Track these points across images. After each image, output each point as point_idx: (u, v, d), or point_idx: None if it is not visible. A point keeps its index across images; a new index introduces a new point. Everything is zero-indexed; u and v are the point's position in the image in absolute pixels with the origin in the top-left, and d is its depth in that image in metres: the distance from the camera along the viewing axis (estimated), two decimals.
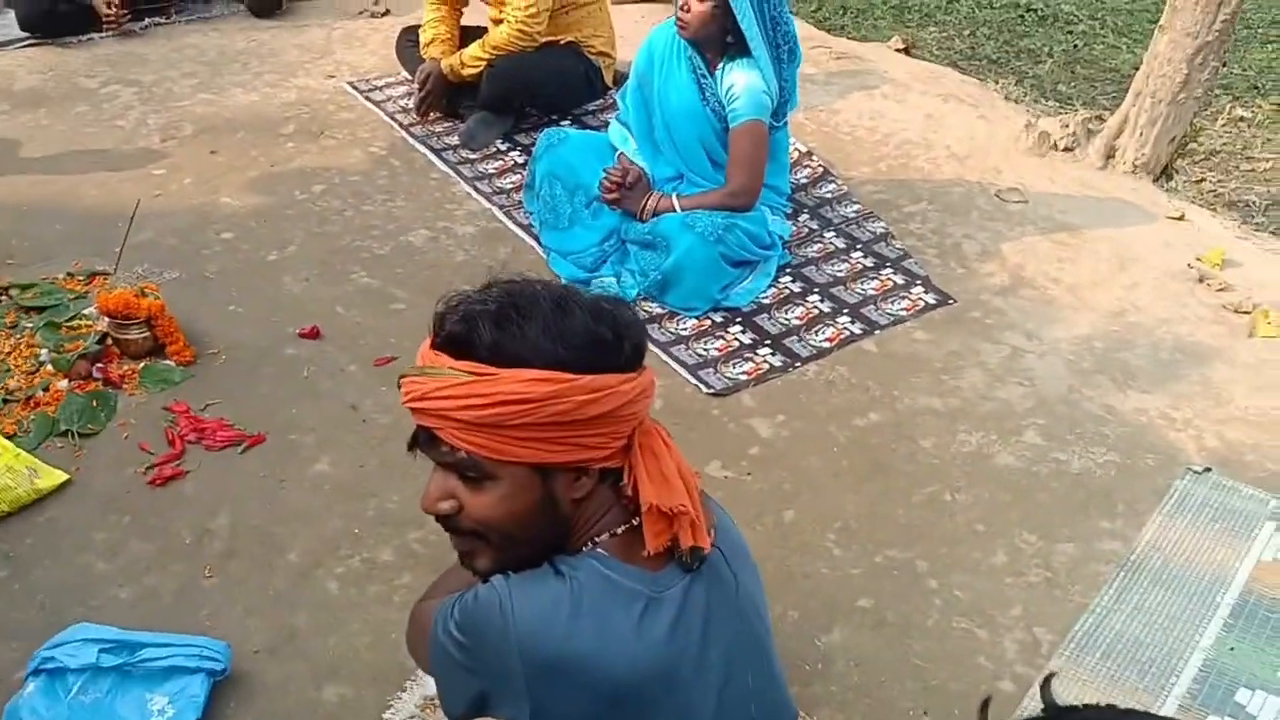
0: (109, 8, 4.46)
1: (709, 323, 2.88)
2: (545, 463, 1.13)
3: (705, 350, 2.76)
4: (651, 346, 2.74)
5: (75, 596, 2.06)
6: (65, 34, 4.47)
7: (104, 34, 4.51)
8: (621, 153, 3.17)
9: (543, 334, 1.11)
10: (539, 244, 3.17)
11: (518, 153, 3.66)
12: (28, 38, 4.46)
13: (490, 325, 1.11)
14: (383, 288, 2.99)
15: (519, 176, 3.48)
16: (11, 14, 4.53)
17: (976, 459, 2.44)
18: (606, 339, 1.14)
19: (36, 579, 2.09)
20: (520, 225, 3.27)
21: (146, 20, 4.65)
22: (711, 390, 2.63)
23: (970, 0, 4.94)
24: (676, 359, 2.72)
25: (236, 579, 2.12)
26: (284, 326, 2.81)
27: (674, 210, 2.99)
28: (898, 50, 4.55)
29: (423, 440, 1.17)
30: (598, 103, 3.93)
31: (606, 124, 3.50)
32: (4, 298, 2.86)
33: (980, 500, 2.33)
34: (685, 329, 2.84)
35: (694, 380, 2.66)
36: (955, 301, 2.98)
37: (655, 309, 2.92)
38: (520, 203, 3.35)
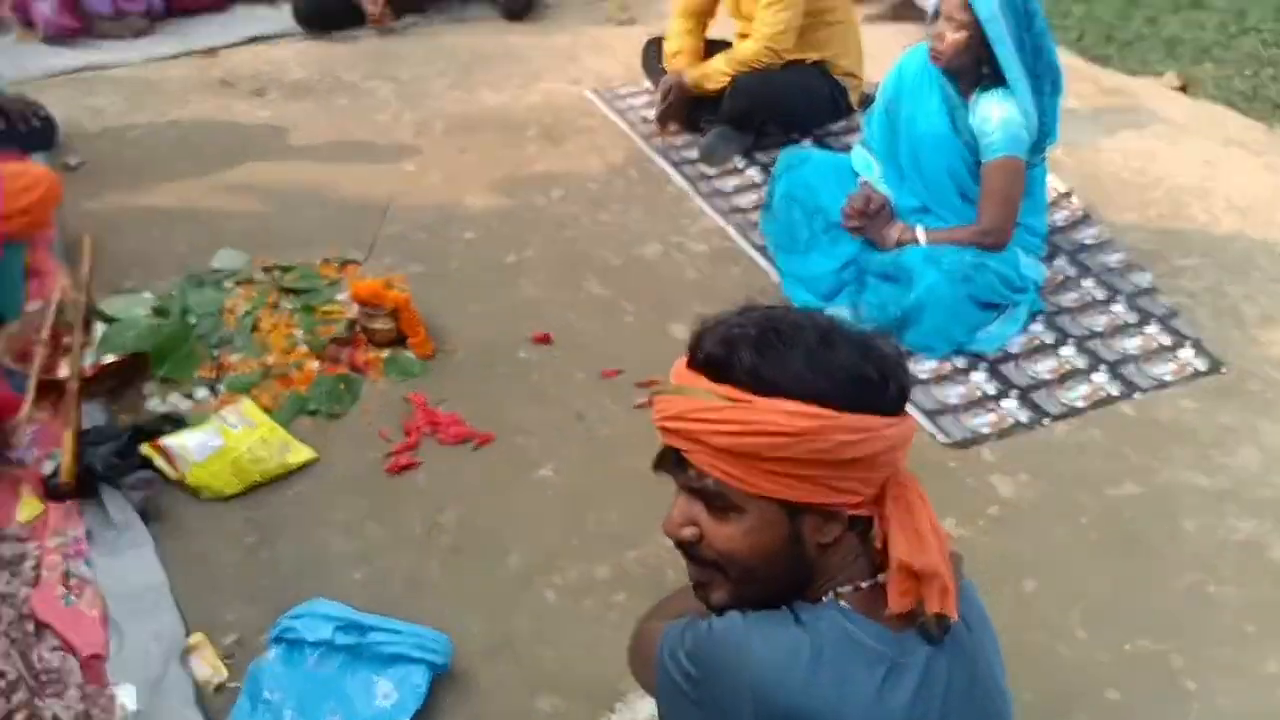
0: (374, 6, 4.70)
1: (950, 366, 2.74)
2: (795, 501, 1.08)
3: (945, 396, 2.64)
4: None
5: (313, 571, 2.15)
6: (333, 29, 4.73)
7: (368, 30, 4.75)
8: (864, 179, 3.08)
9: (805, 365, 1.07)
10: (773, 266, 3.12)
11: (756, 171, 3.62)
12: (300, 31, 4.75)
13: (751, 350, 1.07)
14: (614, 299, 3.01)
15: (756, 195, 3.44)
16: (288, 7, 4.84)
17: (1249, 550, 2.22)
18: (872, 378, 1.08)
19: (280, 550, 2.20)
20: (755, 246, 3.23)
21: (406, 19, 4.87)
22: (949, 440, 2.50)
23: (1255, 36, 4.55)
24: (912, 402, 2.60)
25: (460, 575, 2.17)
26: (518, 329, 2.86)
27: (918, 243, 2.88)
28: (1174, 89, 4.24)
29: (671, 461, 1.14)
30: (841, 124, 3.84)
31: (849, 146, 3.41)
32: (269, 278, 3.03)
33: (1251, 598, 2.12)
34: (924, 371, 2.72)
35: (931, 426, 2.54)
36: (1230, 369, 2.73)
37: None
38: (756, 222, 3.30)
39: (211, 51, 4.58)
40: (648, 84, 4.07)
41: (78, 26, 4.66)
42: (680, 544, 1.16)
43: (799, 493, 1.08)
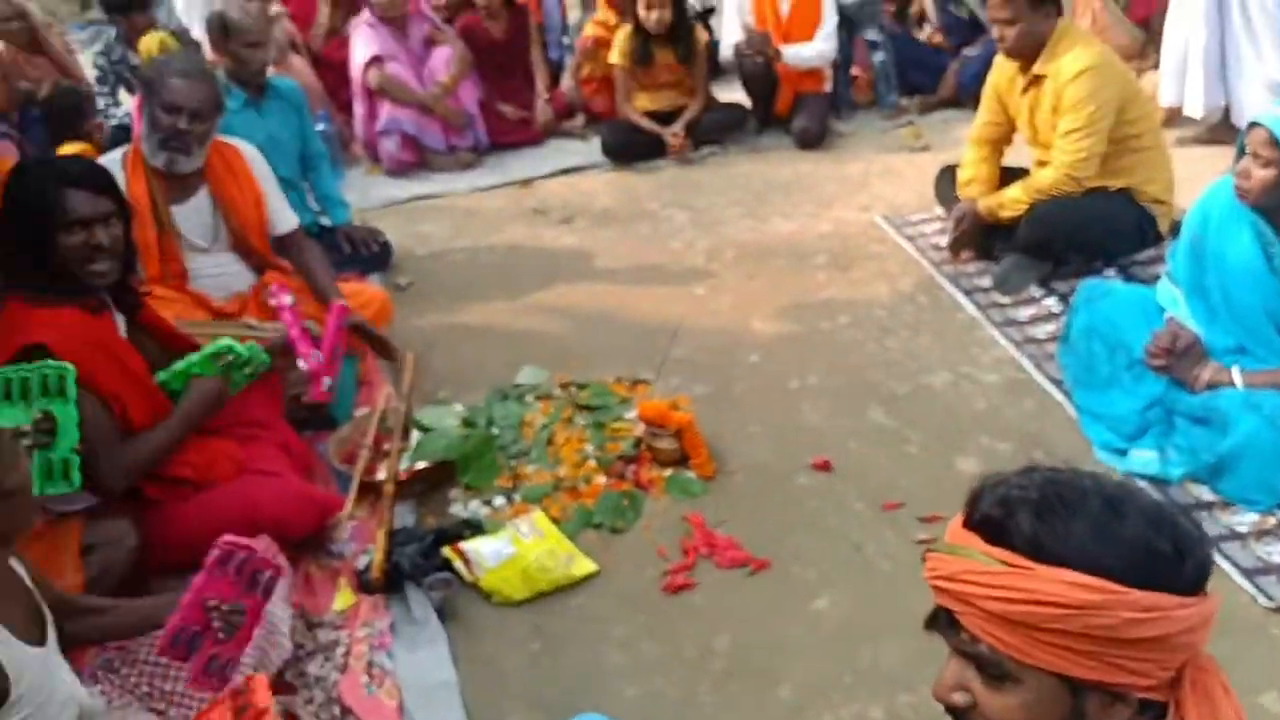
0: (674, 138, 5.00)
1: (1273, 520, 2.47)
2: (1077, 677, 1.02)
3: (1268, 554, 2.37)
4: None
5: (590, 683, 2.22)
6: (637, 160, 5.07)
7: (669, 161, 5.04)
8: (1171, 315, 2.88)
9: (1090, 534, 1.01)
10: (1070, 402, 2.96)
11: (1054, 300, 3.47)
12: (607, 162, 5.11)
13: (1031, 515, 1.03)
14: (898, 428, 2.96)
15: (1053, 326, 3.30)
16: (597, 140, 5.23)
17: None
18: (1165, 552, 1.01)
19: (561, 659, 2.29)
20: (1051, 379, 3.08)
21: (704, 150, 5.13)
22: (1272, 603, 2.24)
23: None
24: (1229, 558, 2.37)
25: (731, 702, 2.16)
26: (798, 454, 2.87)
27: (1234, 385, 2.65)
28: None
29: (943, 621, 1.10)
30: (1149, 252, 3.62)
31: (1157, 276, 3.20)
32: (565, 394, 3.23)
33: None
34: (1243, 524, 2.47)
35: (1250, 587, 2.29)
36: None
37: (1205, 495, 2.57)
38: (1052, 354, 3.16)
39: (527, 182, 5.03)
40: (940, 211, 4.05)
41: (415, 161, 5.27)
42: (951, 709, 1.11)
43: (1081, 669, 1.02)
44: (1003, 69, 3.76)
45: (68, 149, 4.59)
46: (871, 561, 2.49)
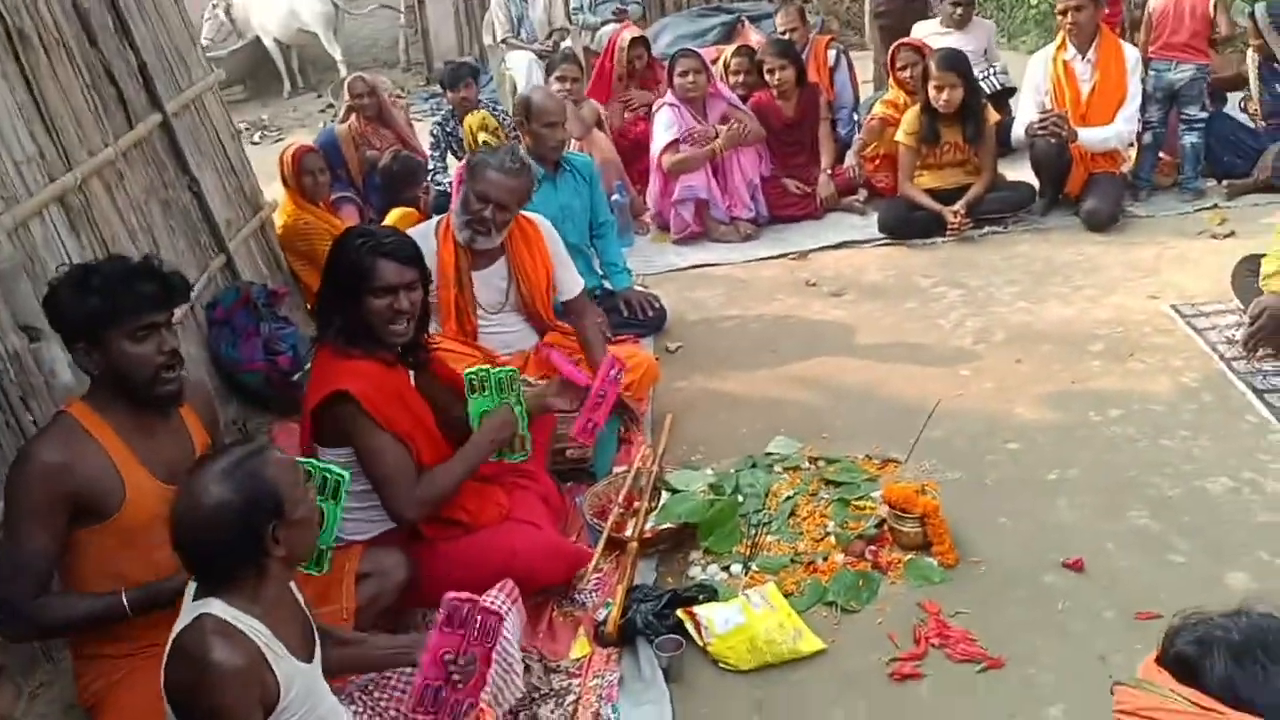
0: (955, 217, 4.93)
1: None
2: None
3: None
4: None
5: None
6: (914, 236, 5.04)
7: (946, 238, 4.98)
8: None
9: None
10: None
11: None
12: (884, 238, 5.12)
13: (1228, 657, 1.02)
14: (1162, 534, 2.78)
15: None
16: (874, 215, 5.26)
17: None
18: None
19: None
20: None
21: (985, 228, 5.03)
22: None
23: None
24: None
25: None
26: (1048, 552, 2.77)
27: None
28: None
29: None
30: None
31: None
32: (813, 467, 3.28)
33: None
34: None
35: None
36: None
37: None
38: None
39: (802, 255, 5.13)
40: (1237, 303, 3.76)
41: (700, 231, 5.50)
42: None
43: None
44: None
45: (397, 212, 5.22)
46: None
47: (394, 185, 5.38)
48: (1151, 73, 5.08)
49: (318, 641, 1.98)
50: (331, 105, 10.85)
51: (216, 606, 1.73)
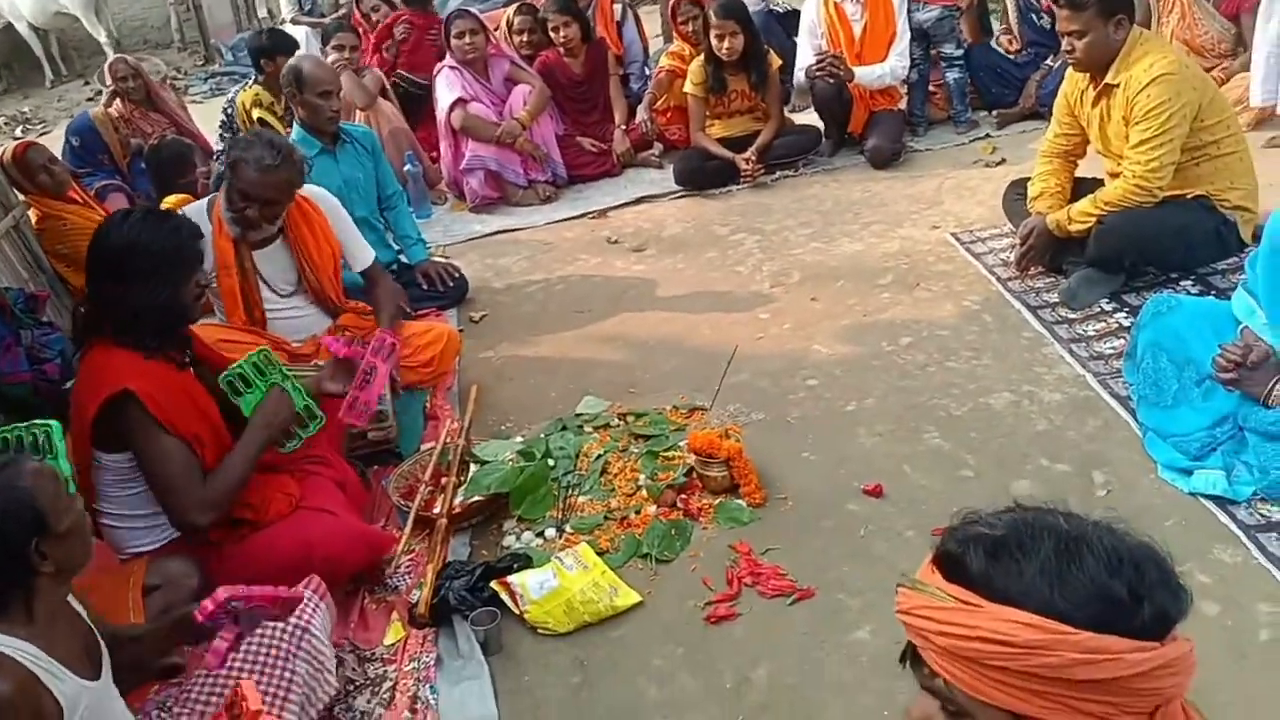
0: (747, 164, 5.01)
1: None
2: (1029, 717, 1.03)
3: None
4: (1267, 563, 2.32)
5: (626, 716, 2.24)
6: (710, 186, 5.10)
7: (741, 186, 5.06)
8: (1246, 326, 2.76)
9: (1040, 574, 1.03)
10: (1135, 420, 2.86)
11: (1124, 314, 3.37)
12: (681, 190, 5.16)
13: (984, 553, 1.05)
14: (954, 451, 2.91)
15: (1121, 342, 3.19)
16: (671, 168, 5.29)
17: None
18: (1118, 597, 1.01)
19: (600, 691, 2.32)
20: (1116, 397, 2.99)
21: (777, 173, 5.13)
22: None
23: None
24: None
25: None
26: (850, 480, 2.85)
27: None
28: None
29: (910, 655, 1.13)
30: (1230, 261, 3.48)
31: (1237, 287, 3.08)
32: (623, 423, 3.27)
33: None
34: None
35: None
36: None
37: (1275, 514, 2.46)
38: (1120, 371, 3.06)
39: (603, 213, 5.11)
40: (1010, 226, 3.96)
41: (497, 196, 5.41)
42: None
43: (1033, 708, 1.03)
44: (1074, 80, 3.67)
45: (171, 200, 4.90)
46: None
47: (164, 171, 5.05)
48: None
49: (105, 656, 1.85)
50: (101, 92, 10.15)
51: None
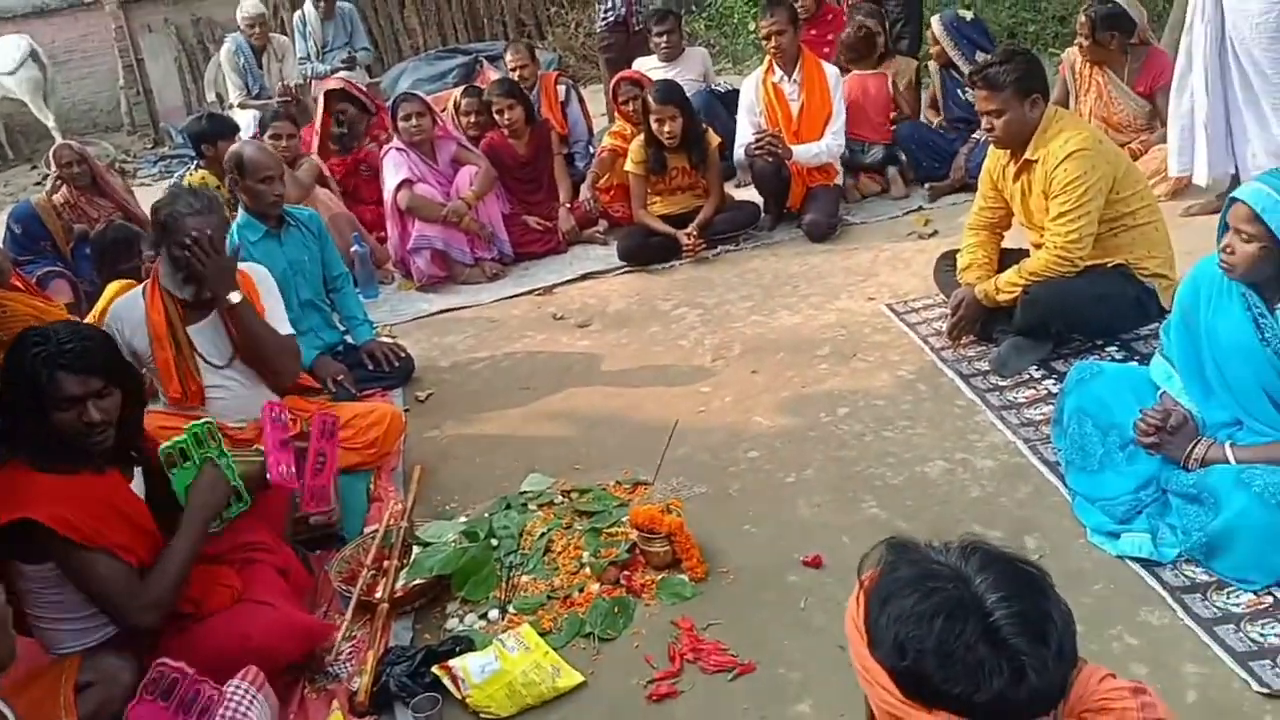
0: (688, 239, 5.11)
1: (1270, 600, 2.42)
2: None
3: (1263, 636, 2.32)
4: (1192, 624, 2.37)
5: None
6: (654, 262, 5.19)
7: (683, 260, 5.16)
8: (1164, 391, 2.86)
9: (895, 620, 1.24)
10: (1064, 485, 2.94)
11: (1052, 381, 3.47)
12: (625, 266, 5.24)
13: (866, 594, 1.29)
14: (891, 520, 2.96)
15: (1050, 408, 3.28)
16: (614, 244, 5.38)
17: None
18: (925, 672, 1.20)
19: None
20: (1046, 462, 3.06)
21: (719, 248, 5.24)
22: (1267, 689, 2.18)
23: None
24: (1222, 642, 2.31)
25: None
26: (790, 552, 2.88)
27: (1226, 461, 2.61)
28: None
29: None
30: (1152, 326, 3.60)
31: None
32: (567, 500, 3.29)
33: None
34: (1238, 605, 2.42)
35: (1243, 672, 2.23)
36: None
37: (1201, 575, 2.53)
38: (1049, 437, 3.15)
39: (548, 290, 5.17)
40: (941, 296, 4.07)
41: (444, 275, 5.46)
42: None
43: None
44: (995, 156, 3.82)
45: (114, 286, 4.88)
46: None
47: (108, 257, 5.04)
48: (848, 150, 5.53)
49: None
50: (48, 176, 10.12)
51: None
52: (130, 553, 2.39)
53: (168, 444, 2.54)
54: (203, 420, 2.63)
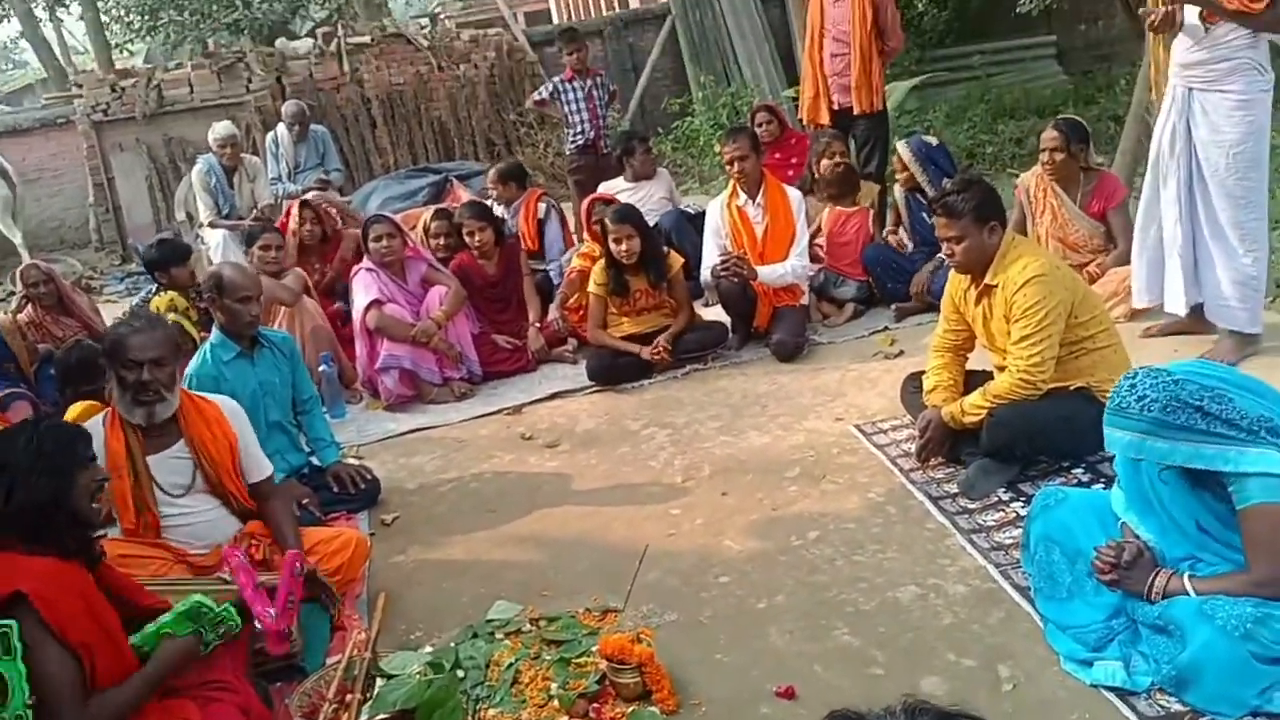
0: (654, 351, 5.16)
1: None
2: None
3: None
4: None
5: None
6: (622, 381, 5.22)
7: (653, 380, 5.19)
8: (1124, 522, 2.86)
9: None
10: (1036, 611, 2.92)
11: (1020, 504, 3.48)
12: (595, 385, 5.26)
13: None
14: (863, 648, 2.92)
15: (1019, 531, 3.29)
16: (583, 364, 5.41)
17: None
18: None
19: None
20: (1018, 588, 3.05)
21: (687, 367, 5.29)
22: None
23: None
24: None
25: None
26: (762, 682, 2.83)
27: (1187, 593, 2.60)
28: None
29: None
30: None
31: None
32: (535, 629, 3.23)
33: None
34: None
35: None
36: None
37: (1174, 705, 2.51)
38: (1019, 561, 3.14)
39: (517, 409, 5.17)
40: (909, 417, 4.10)
41: (413, 394, 5.45)
42: None
43: None
44: (957, 280, 3.91)
45: (78, 407, 4.82)
46: None
47: (71, 377, 5.00)
48: (821, 276, 5.73)
49: None
50: (13, 294, 10.09)
51: None
52: (88, 652, 2.34)
53: (157, 625, 2.54)
54: (196, 598, 2.59)
